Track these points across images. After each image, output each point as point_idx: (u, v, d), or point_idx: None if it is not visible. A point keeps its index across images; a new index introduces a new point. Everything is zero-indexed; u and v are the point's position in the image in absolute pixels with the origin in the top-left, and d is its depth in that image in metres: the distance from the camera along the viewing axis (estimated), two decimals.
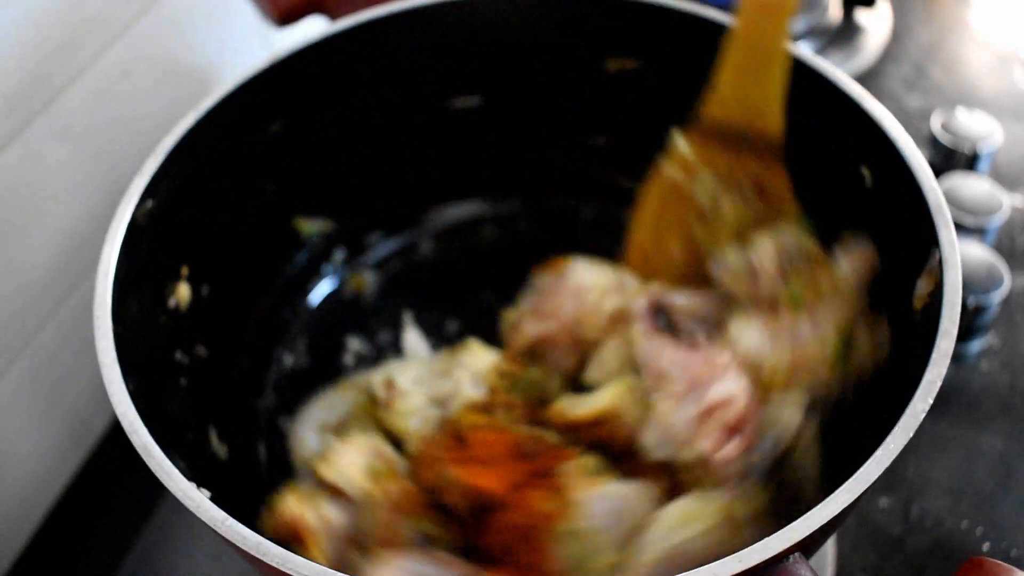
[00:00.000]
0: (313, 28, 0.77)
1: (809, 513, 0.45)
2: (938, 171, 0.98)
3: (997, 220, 0.89)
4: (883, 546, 0.74)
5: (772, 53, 0.67)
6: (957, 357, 0.86)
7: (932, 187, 0.58)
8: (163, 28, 0.87)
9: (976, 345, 0.86)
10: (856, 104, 0.64)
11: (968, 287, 0.83)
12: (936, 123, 0.99)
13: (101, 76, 0.80)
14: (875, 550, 0.74)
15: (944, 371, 0.50)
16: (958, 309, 0.53)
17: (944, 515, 0.75)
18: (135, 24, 0.83)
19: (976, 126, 0.97)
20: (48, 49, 0.74)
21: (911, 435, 0.48)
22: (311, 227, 0.86)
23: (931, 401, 0.49)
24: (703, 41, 0.71)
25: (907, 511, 0.76)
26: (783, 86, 0.67)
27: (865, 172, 0.65)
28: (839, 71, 0.66)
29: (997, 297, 0.83)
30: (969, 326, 0.85)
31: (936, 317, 0.53)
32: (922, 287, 0.57)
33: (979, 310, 0.84)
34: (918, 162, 0.59)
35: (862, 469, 0.47)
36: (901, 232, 0.61)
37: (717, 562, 0.43)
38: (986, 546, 0.73)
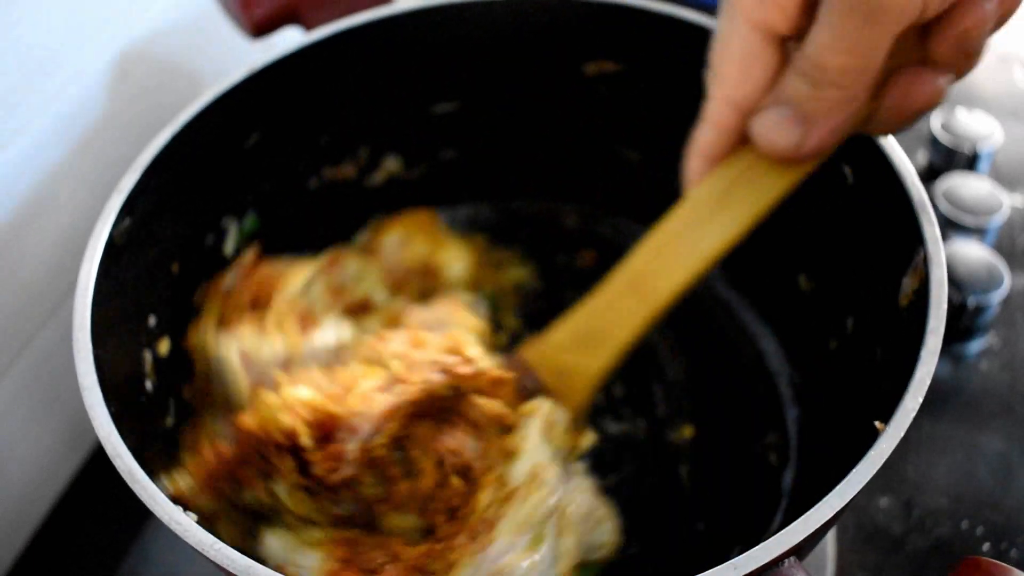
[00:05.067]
0: (292, 38, 0.77)
1: (804, 517, 0.45)
2: (938, 171, 0.98)
3: (997, 220, 0.89)
4: (883, 546, 0.74)
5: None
6: (957, 357, 0.86)
7: (914, 184, 0.58)
8: (162, 31, 0.87)
9: (976, 345, 0.86)
10: None
11: (968, 287, 0.83)
12: (936, 123, 0.99)
13: (101, 77, 0.80)
14: (875, 550, 0.74)
15: (933, 369, 0.50)
16: (944, 306, 0.52)
17: (944, 515, 0.75)
18: (134, 28, 0.83)
19: (976, 126, 0.97)
20: (45, 53, 0.74)
21: (903, 434, 0.48)
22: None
23: (921, 400, 0.49)
24: (683, 44, 0.71)
25: (907, 511, 0.76)
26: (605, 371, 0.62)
27: (847, 170, 0.64)
28: None
29: (997, 297, 0.83)
30: (969, 326, 0.85)
31: (923, 314, 0.52)
32: (907, 285, 0.57)
33: (979, 310, 0.84)
34: (900, 159, 0.59)
35: (854, 471, 0.46)
36: (884, 230, 0.61)
37: (713, 570, 0.43)
38: (986, 546, 0.73)
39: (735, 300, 0.84)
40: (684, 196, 0.57)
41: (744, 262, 0.82)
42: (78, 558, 0.79)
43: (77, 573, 0.79)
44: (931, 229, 0.56)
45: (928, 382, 0.49)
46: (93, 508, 0.82)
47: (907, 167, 0.59)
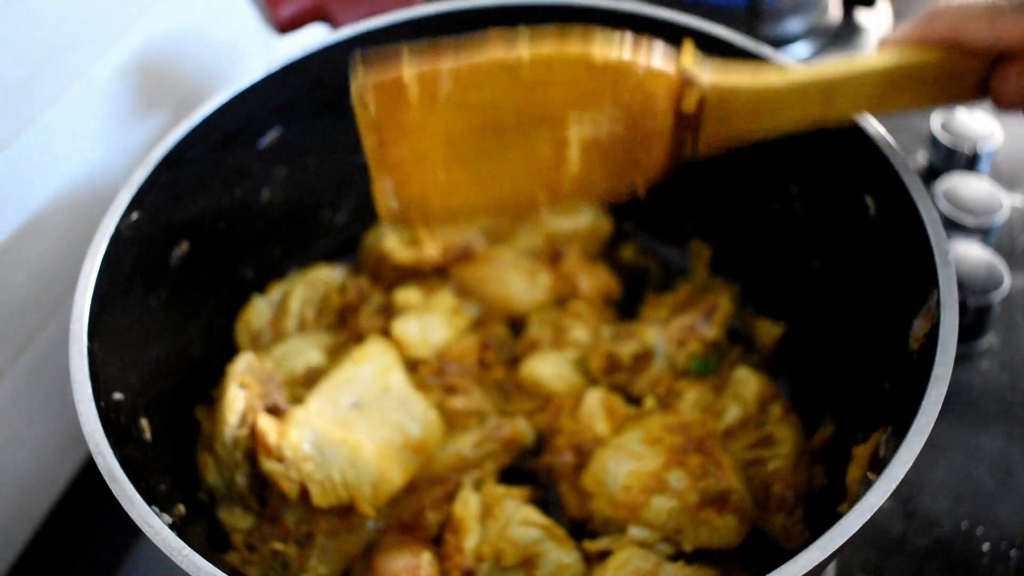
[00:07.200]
0: (314, 35, 0.76)
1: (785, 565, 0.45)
2: (938, 171, 0.98)
3: (997, 220, 0.89)
4: (883, 546, 0.74)
5: None
6: (957, 357, 0.85)
7: (934, 223, 0.57)
8: (164, 31, 0.87)
9: (976, 345, 0.86)
10: (860, 129, 0.62)
11: (968, 287, 0.83)
12: (936, 123, 0.99)
13: (104, 76, 0.80)
14: (875, 550, 0.74)
15: (934, 420, 0.49)
16: (952, 354, 0.51)
17: (944, 515, 0.75)
18: (135, 25, 0.83)
19: (976, 126, 0.97)
20: (47, 49, 0.74)
21: (895, 486, 0.47)
22: None
23: (917, 451, 0.48)
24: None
25: (907, 511, 0.76)
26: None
27: (869, 201, 0.64)
28: None
29: (997, 297, 0.83)
30: (969, 326, 0.85)
31: (930, 362, 0.51)
32: (919, 328, 0.56)
33: (979, 310, 0.84)
34: (921, 196, 0.58)
35: (841, 522, 0.46)
36: (901, 268, 0.60)
37: None
38: (986, 546, 0.73)
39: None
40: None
41: (764, 289, 0.81)
42: (78, 558, 0.79)
43: (77, 574, 0.79)
44: (947, 272, 0.54)
45: (927, 434, 0.49)
46: (93, 509, 0.82)
47: (927, 205, 0.58)
